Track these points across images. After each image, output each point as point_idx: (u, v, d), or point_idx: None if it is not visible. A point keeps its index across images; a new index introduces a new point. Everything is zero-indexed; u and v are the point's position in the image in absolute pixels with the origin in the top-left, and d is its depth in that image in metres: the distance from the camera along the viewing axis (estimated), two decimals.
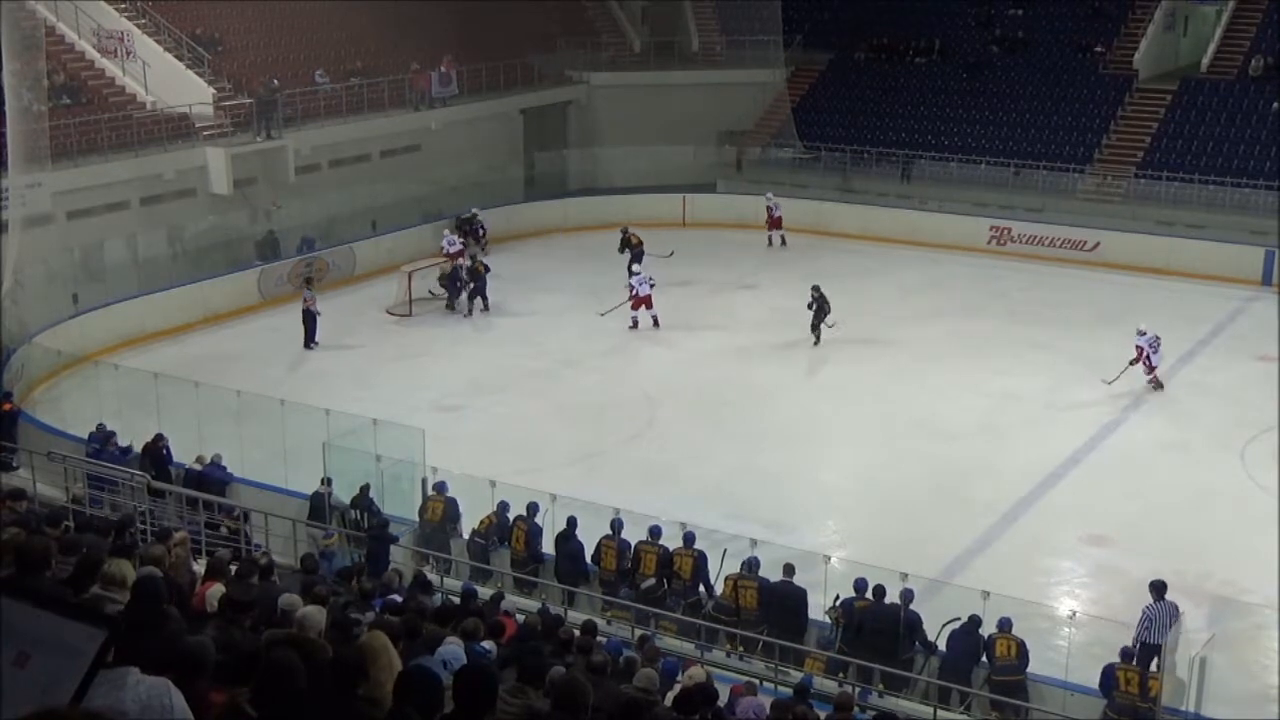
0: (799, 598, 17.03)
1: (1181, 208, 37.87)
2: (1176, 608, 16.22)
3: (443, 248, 34.64)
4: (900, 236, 38.50)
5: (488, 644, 10.77)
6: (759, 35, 45.91)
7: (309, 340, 29.74)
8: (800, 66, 46.43)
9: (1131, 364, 26.64)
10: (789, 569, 17.07)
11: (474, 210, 38.01)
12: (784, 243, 38.56)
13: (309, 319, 29.71)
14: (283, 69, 37.93)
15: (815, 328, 29.76)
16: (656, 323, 30.91)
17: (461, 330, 31.52)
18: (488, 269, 33.10)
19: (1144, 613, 16.18)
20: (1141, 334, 26.79)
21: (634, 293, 30.94)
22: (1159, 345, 26.85)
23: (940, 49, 45.75)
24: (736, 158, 44.32)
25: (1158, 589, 16.41)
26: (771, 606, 17.09)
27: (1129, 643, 15.59)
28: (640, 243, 34.57)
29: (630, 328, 30.95)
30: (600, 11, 48.44)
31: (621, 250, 34.50)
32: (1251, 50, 41.68)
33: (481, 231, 37.75)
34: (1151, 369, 26.82)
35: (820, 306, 29.76)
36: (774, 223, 38.71)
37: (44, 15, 33.12)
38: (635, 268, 31.94)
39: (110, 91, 34.66)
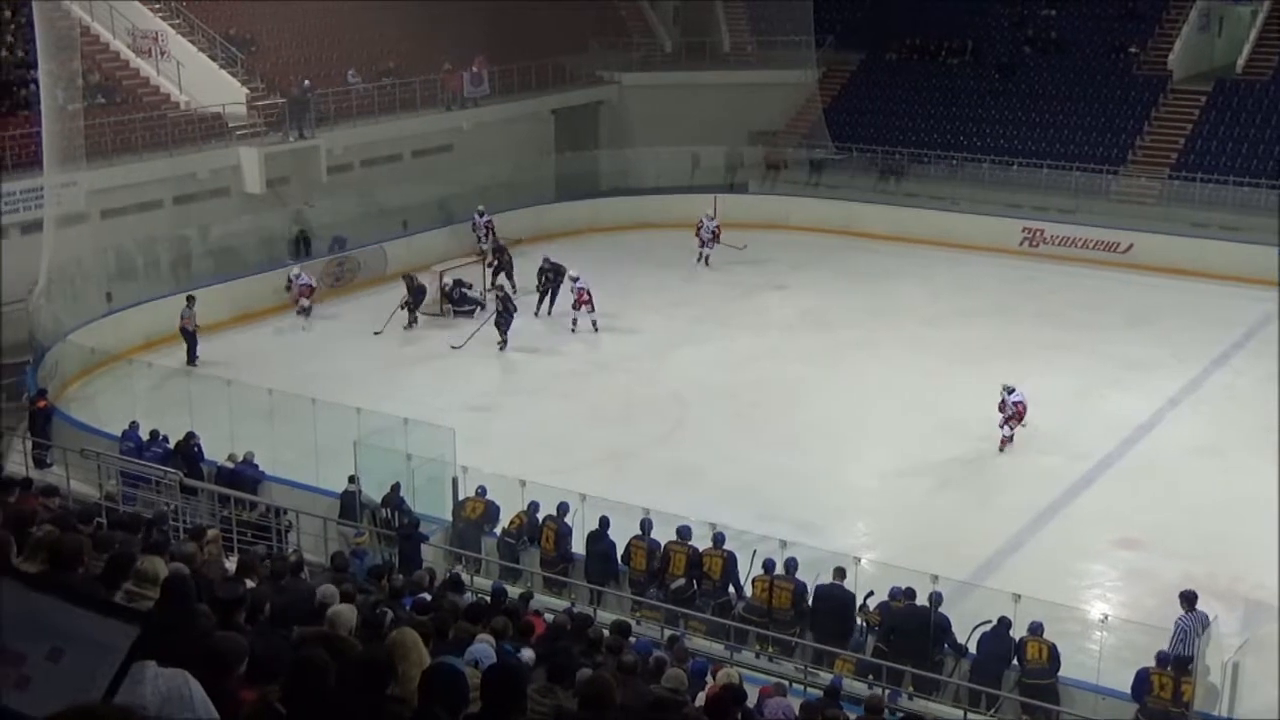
0: (848, 601, 17.01)
1: (1215, 209, 37.61)
2: (1206, 616, 16.07)
3: (291, 281, 31.92)
4: (931, 238, 38.34)
5: (527, 653, 10.69)
6: (790, 35, 45.80)
7: (190, 358, 28.60)
8: (832, 67, 46.32)
9: (1008, 421, 24.00)
10: (840, 572, 17.06)
11: (480, 207, 36.78)
12: (707, 262, 36.71)
13: (187, 337, 28.66)
14: (315, 69, 38.09)
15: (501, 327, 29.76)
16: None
17: (493, 330, 31.51)
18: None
19: (1177, 624, 15.93)
20: (1011, 391, 23.99)
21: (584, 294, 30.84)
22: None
23: (973, 49, 45.57)
24: (764, 162, 44.22)
25: (1189, 599, 16.14)
26: (819, 611, 17.07)
27: (1163, 648, 15.45)
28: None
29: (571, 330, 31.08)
30: (632, 12, 48.46)
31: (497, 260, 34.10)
32: None
33: (485, 232, 36.11)
34: (1016, 419, 24.04)
35: (506, 306, 29.90)
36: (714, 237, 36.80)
37: (79, 15, 33.33)
38: (572, 272, 31.47)
39: (145, 91, 34.89)
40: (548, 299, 32.13)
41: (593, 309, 30.73)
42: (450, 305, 32.52)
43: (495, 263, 33.98)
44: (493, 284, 32.69)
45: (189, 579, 7.93)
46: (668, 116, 43.43)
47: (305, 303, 31.71)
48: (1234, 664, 15.42)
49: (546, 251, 33.69)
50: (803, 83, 45.49)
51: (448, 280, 32.75)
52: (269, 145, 34.82)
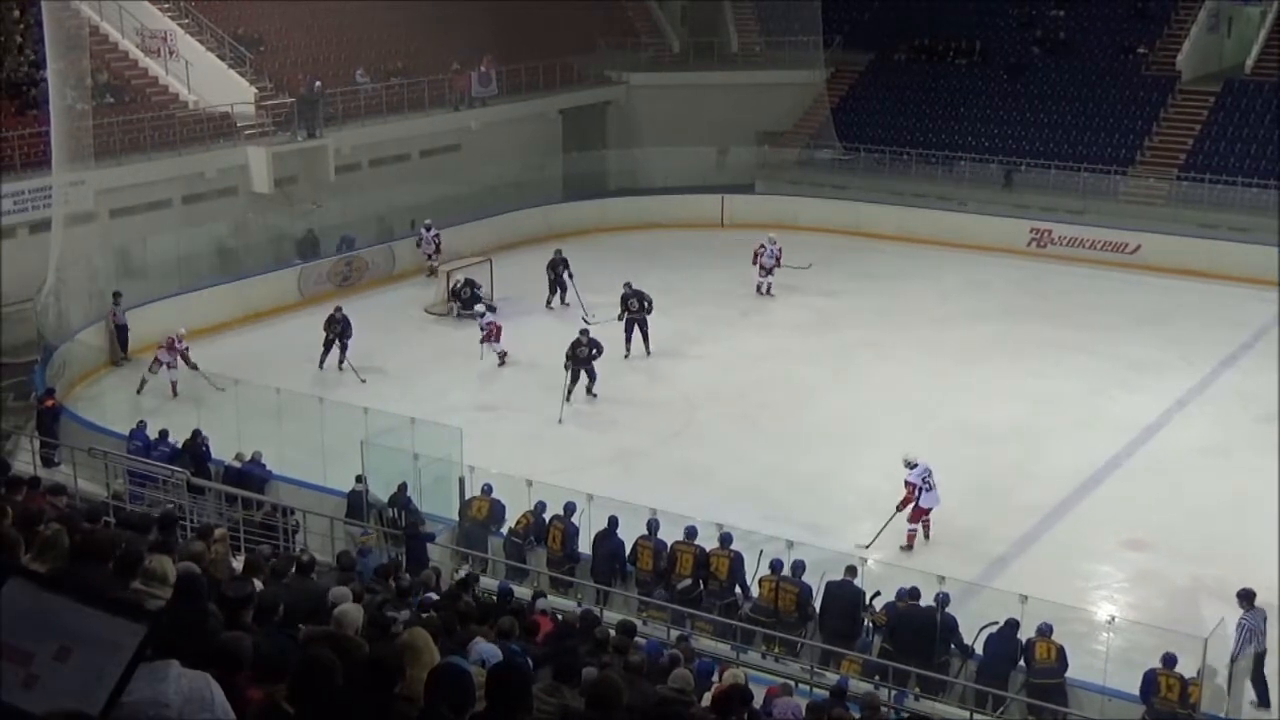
0: (858, 599, 17.02)
1: (1224, 210, 37.53)
2: (1264, 614, 15.98)
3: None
4: (939, 238, 38.31)
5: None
6: (798, 36, 45.80)
7: (121, 354, 28.29)
8: (840, 67, 46.26)
9: (899, 509, 20.38)
10: (851, 569, 17.09)
11: (427, 220, 35.11)
12: (769, 291, 33.96)
13: (120, 332, 28.33)
14: (324, 68, 38.14)
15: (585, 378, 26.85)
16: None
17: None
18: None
19: (1240, 624, 15.76)
20: (911, 466, 20.25)
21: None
22: (931, 478, 20.27)
23: (981, 50, 45.52)
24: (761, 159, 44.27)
25: (1248, 597, 15.97)
26: (828, 608, 17.06)
27: (1170, 650, 15.42)
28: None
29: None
30: (640, 12, 48.49)
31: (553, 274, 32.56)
32: None
33: (434, 248, 34.59)
34: (923, 512, 20.36)
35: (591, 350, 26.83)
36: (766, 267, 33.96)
37: (88, 15, 33.41)
38: (479, 306, 30.04)
39: (153, 90, 34.97)
40: (636, 332, 29.25)
41: (498, 340, 28.77)
42: (458, 304, 32.46)
43: (557, 283, 32.73)
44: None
45: (202, 578, 7.94)
46: (675, 117, 43.45)
47: (150, 375, 26.47)
48: (1240, 666, 15.41)
49: (555, 248, 33.76)
50: (811, 83, 45.50)
51: (459, 278, 32.68)
52: (277, 145, 34.88)
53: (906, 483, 20.20)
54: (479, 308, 30.11)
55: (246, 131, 34.85)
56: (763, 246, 34.17)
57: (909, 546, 20.04)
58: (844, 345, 30.04)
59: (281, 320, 31.73)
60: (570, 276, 32.68)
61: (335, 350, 28.14)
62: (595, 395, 26.56)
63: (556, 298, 32.74)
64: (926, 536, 20.44)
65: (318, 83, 36.09)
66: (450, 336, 31.11)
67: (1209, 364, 28.61)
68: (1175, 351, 29.38)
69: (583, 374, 26.52)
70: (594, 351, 26.41)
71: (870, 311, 32.58)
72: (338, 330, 28.08)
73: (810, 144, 44.15)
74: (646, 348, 29.29)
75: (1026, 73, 44.32)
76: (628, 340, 29.25)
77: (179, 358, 26.43)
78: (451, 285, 32.65)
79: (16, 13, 33.53)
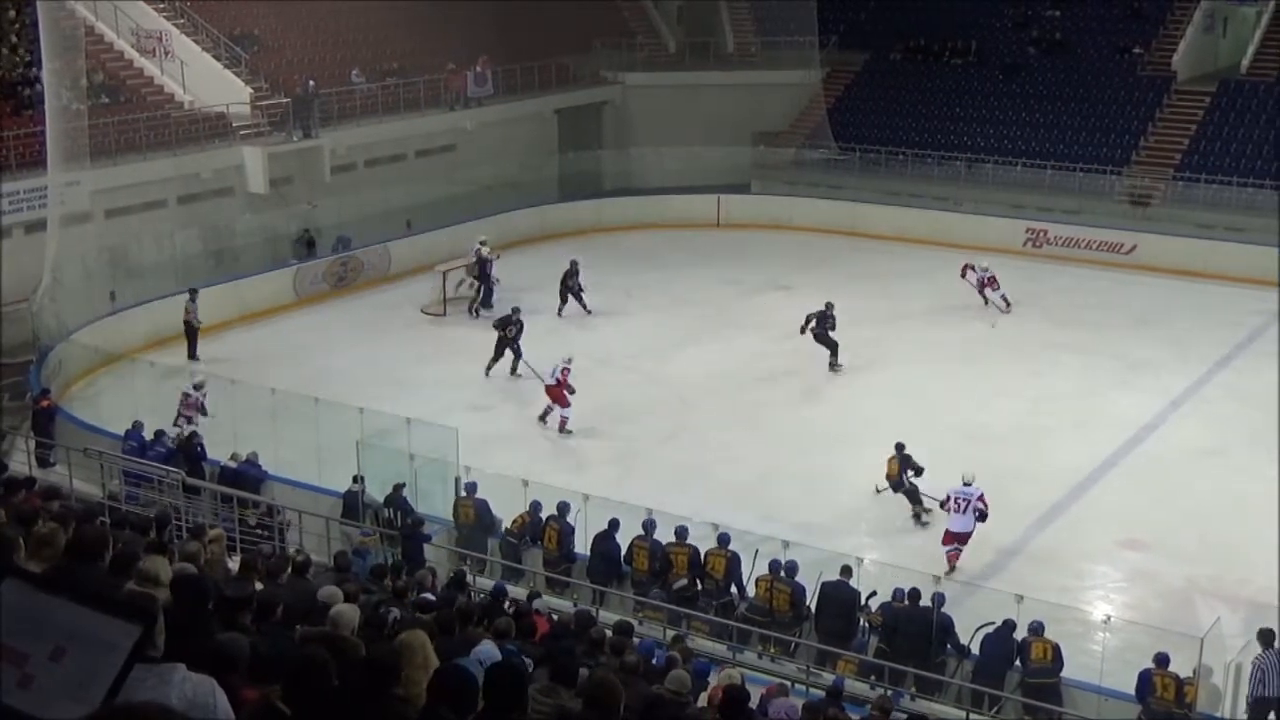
0: (853, 599, 17.00)
1: (1220, 210, 37.54)
2: None
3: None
4: (935, 238, 38.28)
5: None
6: (794, 36, 45.82)
7: (191, 352, 28.47)
8: (836, 67, 46.27)
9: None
10: (846, 570, 17.07)
11: (483, 238, 33.44)
12: (1006, 305, 32.43)
13: (190, 331, 28.53)
14: (319, 69, 38.10)
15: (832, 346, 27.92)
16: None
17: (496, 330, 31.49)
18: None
19: (1255, 664, 15.18)
20: (967, 485, 19.49)
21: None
22: (966, 506, 19.36)
23: (977, 50, 45.52)
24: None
25: (1265, 638, 15.27)
26: (823, 608, 17.05)
27: (1163, 649, 15.41)
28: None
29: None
30: (635, 12, 48.47)
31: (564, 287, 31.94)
32: None
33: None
34: (952, 537, 19.56)
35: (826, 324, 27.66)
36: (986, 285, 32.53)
37: (84, 15, 33.38)
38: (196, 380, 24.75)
39: (149, 91, 34.92)
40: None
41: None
42: (473, 280, 32.21)
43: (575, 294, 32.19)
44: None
45: (208, 581, 7.93)
46: (671, 117, 43.45)
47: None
48: (1237, 666, 15.38)
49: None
50: (806, 83, 45.51)
51: (484, 251, 32.39)
52: (273, 145, 34.85)
53: (955, 498, 19.51)
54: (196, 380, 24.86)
55: (242, 132, 34.81)
56: (976, 273, 32.58)
57: (951, 569, 18.86)
58: (840, 345, 29.96)
59: (277, 320, 31.69)
60: (578, 282, 32.13)
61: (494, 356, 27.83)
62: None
63: (579, 307, 32.21)
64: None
65: (312, 82, 36.06)
66: (446, 337, 31.08)
67: (1205, 364, 28.60)
68: (1171, 351, 29.38)
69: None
70: None
71: (866, 311, 32.47)
72: (513, 335, 27.70)
73: (806, 144, 44.08)
74: (833, 362, 28.40)
75: (1022, 73, 44.32)
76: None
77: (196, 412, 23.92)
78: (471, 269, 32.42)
79: (12, 13, 33.50)
